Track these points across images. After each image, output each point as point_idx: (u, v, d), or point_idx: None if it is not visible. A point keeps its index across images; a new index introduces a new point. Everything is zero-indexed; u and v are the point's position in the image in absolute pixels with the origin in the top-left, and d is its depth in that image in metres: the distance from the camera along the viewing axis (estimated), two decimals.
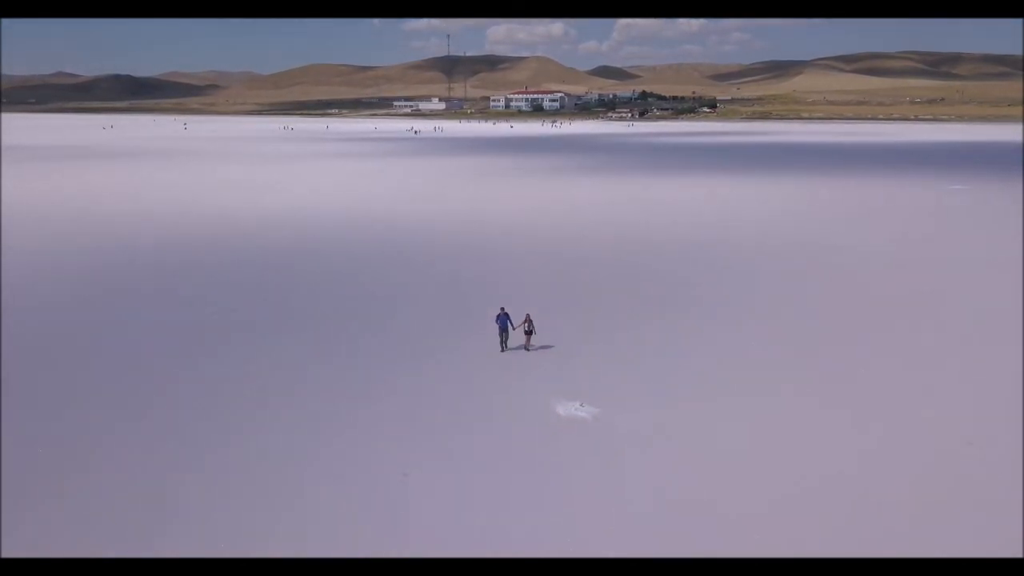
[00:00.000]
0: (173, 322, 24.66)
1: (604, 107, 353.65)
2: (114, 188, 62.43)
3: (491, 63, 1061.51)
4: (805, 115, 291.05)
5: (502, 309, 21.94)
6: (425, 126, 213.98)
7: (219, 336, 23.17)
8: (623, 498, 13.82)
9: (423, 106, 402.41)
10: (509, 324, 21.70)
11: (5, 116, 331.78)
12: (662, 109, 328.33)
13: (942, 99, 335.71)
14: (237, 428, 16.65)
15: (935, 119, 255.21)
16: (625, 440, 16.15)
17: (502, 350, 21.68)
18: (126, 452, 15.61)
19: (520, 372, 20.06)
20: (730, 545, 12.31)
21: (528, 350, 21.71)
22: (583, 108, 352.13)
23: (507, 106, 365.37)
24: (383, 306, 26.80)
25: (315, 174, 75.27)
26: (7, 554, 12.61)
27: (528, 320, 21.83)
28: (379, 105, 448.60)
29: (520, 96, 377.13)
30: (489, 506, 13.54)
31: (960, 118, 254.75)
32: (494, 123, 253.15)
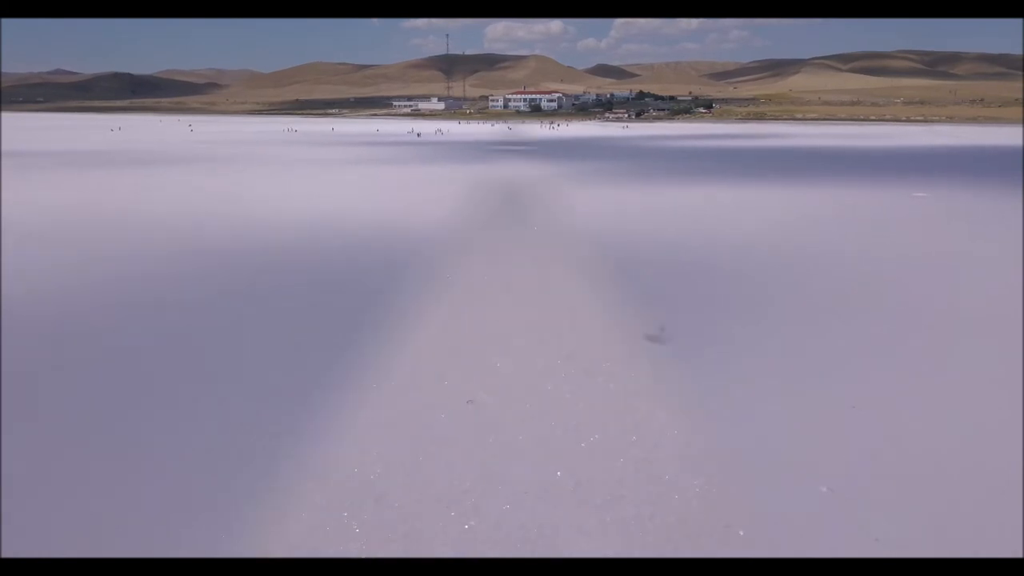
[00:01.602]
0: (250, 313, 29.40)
1: (601, 107, 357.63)
2: (163, 198, 67.00)
3: (490, 62, 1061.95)
4: (799, 116, 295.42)
5: None
6: (426, 127, 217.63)
7: (266, 322, 27.82)
8: (590, 417, 17.77)
9: (423, 106, 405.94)
10: None
11: (10, 115, 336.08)
12: (659, 110, 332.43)
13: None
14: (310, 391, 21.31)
15: (926, 120, 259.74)
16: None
17: None
18: (151, 438, 19.30)
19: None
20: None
21: None
22: (581, 108, 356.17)
23: (506, 106, 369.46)
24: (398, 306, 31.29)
25: (334, 183, 79.72)
26: (7, 554, 12.96)
27: None
28: (379, 104, 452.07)
29: (519, 96, 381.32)
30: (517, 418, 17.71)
31: (951, 119, 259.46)
32: (493, 124, 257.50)
